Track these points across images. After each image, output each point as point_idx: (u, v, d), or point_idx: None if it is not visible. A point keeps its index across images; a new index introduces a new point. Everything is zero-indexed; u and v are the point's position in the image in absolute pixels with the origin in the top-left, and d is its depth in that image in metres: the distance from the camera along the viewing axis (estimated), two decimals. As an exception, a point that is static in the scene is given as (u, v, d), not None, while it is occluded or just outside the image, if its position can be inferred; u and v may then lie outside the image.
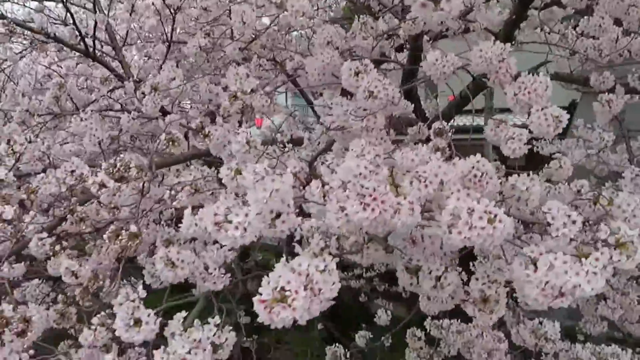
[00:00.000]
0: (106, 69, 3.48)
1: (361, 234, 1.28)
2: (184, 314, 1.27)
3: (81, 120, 1.83)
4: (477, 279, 1.18)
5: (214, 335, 1.19)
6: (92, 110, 2.15)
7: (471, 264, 1.40)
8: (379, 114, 1.35)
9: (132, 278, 2.46)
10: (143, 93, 2.20)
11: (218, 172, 1.36)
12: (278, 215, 1.04)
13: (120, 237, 1.23)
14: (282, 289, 0.92)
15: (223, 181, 1.23)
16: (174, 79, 2.06)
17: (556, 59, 2.96)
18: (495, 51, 1.38)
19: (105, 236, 1.25)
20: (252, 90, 1.44)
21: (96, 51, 3.25)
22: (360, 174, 1.12)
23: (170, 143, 1.54)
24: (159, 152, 1.92)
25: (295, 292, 0.90)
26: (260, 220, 1.00)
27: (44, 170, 1.94)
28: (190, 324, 1.24)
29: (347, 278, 5.50)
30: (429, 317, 2.22)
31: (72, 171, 1.77)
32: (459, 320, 2.26)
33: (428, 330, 2.25)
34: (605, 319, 2.40)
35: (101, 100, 2.98)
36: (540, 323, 2.02)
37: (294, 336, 4.27)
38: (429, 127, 2.06)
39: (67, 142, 2.72)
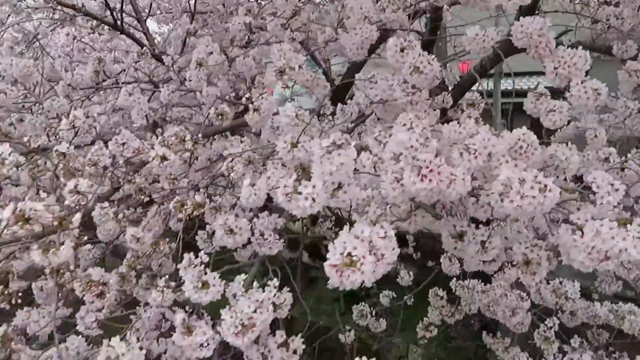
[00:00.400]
0: (134, 41, 3.54)
1: (408, 202, 1.37)
2: (244, 276, 1.38)
3: (129, 94, 1.90)
4: (520, 243, 1.27)
5: (274, 296, 1.29)
6: (134, 85, 2.23)
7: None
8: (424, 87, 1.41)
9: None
10: (179, 67, 2.27)
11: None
12: (339, 186, 1.12)
13: (185, 206, 1.32)
14: (349, 254, 1.01)
15: (280, 154, 1.30)
16: (212, 53, 2.12)
17: (578, 27, 2.97)
18: (536, 26, 1.43)
19: (171, 205, 1.34)
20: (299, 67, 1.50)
21: (123, 24, 3.30)
22: (411, 146, 1.19)
23: (220, 116, 1.62)
24: (199, 124, 2.00)
25: (363, 257, 0.99)
26: (324, 191, 1.09)
27: (92, 142, 2.03)
28: (248, 286, 1.35)
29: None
30: (454, 278, 2.32)
31: (123, 143, 1.87)
32: (479, 280, 2.37)
33: (453, 290, 2.36)
34: (620, 279, 2.49)
35: (130, 72, 3.04)
36: (560, 283, 2.13)
37: (321, 296, 4.43)
38: (453, 96, 2.12)
39: (102, 114, 2.80)
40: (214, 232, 1.54)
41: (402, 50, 1.40)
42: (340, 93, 2.48)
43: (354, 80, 2.19)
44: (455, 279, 2.39)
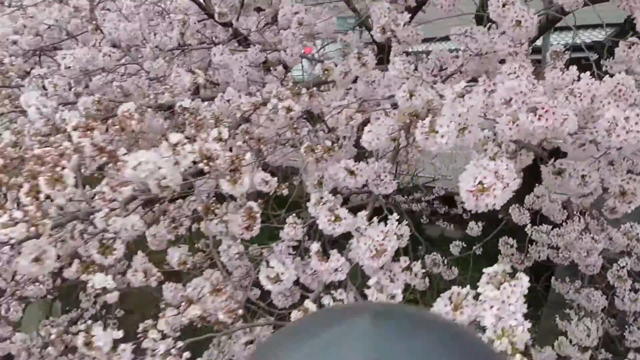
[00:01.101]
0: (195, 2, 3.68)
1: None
2: (365, 212, 1.58)
3: (231, 53, 2.09)
4: (616, 176, 1.43)
5: (395, 227, 1.49)
6: (225, 45, 2.41)
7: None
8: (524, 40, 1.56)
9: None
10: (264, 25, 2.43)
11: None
12: (464, 128, 1.29)
13: (315, 151, 1.51)
14: (480, 182, 1.19)
15: (399, 102, 1.48)
16: (297, 13, 2.28)
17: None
18: (628, -21, 1.54)
19: (302, 150, 1.54)
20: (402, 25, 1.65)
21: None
22: (521, 91, 1.35)
23: (326, 71, 1.80)
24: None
25: (494, 184, 1.17)
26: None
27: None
28: (370, 220, 1.55)
29: (407, 202, 5.63)
30: (529, 224, 2.49)
31: (228, 100, 2.07)
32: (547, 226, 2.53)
33: (529, 235, 2.52)
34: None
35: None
36: (631, 226, 2.28)
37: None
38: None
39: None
40: (320, 181, 1.75)
41: (503, 5, 1.54)
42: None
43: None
44: (530, 225, 2.55)
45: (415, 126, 1.39)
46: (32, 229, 1.08)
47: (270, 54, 2.59)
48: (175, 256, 1.43)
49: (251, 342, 1.71)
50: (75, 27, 2.78)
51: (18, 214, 1.08)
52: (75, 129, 1.27)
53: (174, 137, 1.04)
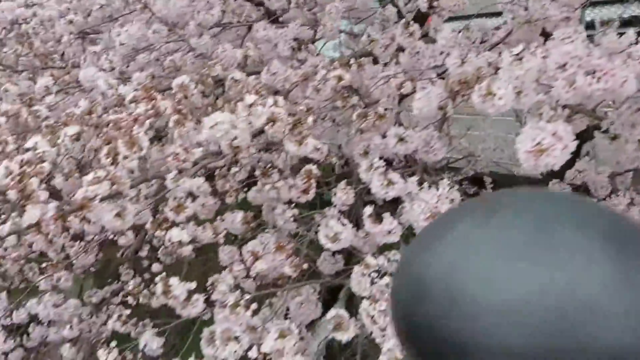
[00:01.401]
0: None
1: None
2: (415, 178, 1.62)
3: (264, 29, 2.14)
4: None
5: (447, 192, 1.53)
6: (264, 22, 2.45)
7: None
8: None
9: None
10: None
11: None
12: (519, 92, 1.32)
13: (368, 117, 1.56)
14: (539, 143, 1.22)
15: (450, 69, 1.50)
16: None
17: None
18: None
19: (354, 116, 1.58)
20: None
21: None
22: (576, 55, 1.36)
23: (372, 42, 1.83)
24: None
25: (553, 145, 1.20)
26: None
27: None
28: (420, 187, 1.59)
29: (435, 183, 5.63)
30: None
31: (274, 73, 2.12)
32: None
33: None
34: None
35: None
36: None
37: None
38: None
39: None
40: (366, 150, 1.79)
41: (557, -30, 1.54)
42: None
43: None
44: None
45: (462, 95, 1.43)
46: (114, 187, 1.15)
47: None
48: (238, 217, 1.50)
49: (301, 303, 1.79)
50: (118, 10, 2.86)
51: (101, 173, 1.15)
52: (135, 100, 1.34)
53: (250, 98, 1.09)
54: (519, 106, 1.32)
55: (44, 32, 3.05)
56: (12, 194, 1.06)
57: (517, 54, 1.24)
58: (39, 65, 2.89)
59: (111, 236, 2.46)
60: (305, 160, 1.72)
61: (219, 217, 1.71)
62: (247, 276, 1.47)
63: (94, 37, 3.07)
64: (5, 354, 3.24)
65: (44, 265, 2.49)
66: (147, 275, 4.04)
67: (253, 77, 2.12)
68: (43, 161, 1.17)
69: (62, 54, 2.67)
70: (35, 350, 3.47)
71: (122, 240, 2.28)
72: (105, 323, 3.57)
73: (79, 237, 2.89)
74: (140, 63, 2.60)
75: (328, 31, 2.48)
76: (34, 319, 3.17)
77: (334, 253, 2.03)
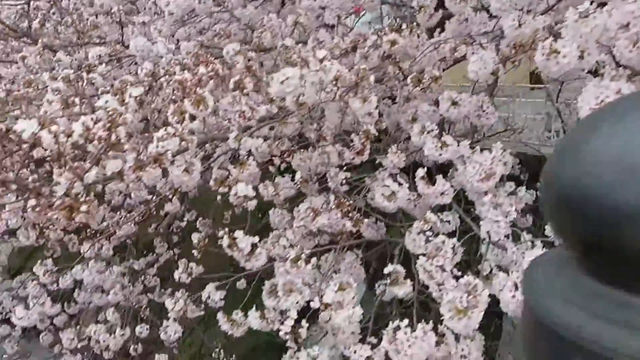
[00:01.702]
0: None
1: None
2: (467, 141, 1.63)
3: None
4: None
5: (500, 154, 1.54)
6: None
7: None
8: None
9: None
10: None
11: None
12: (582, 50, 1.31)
13: (422, 80, 1.57)
14: (602, 101, 1.22)
15: (506, 32, 1.50)
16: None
17: None
18: None
19: (408, 80, 1.60)
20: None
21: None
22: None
23: (422, 8, 1.84)
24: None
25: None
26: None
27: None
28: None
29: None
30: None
31: (321, 41, 2.14)
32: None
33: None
34: None
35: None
36: None
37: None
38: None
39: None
40: (414, 117, 1.81)
41: None
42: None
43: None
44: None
45: (513, 61, 1.43)
46: (183, 143, 1.19)
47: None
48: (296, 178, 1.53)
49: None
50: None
51: (170, 130, 1.19)
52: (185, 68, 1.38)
53: (320, 52, 1.11)
54: (581, 65, 1.31)
55: (84, 8, 3.12)
56: (91, 147, 1.11)
57: (584, 11, 1.23)
58: (78, 42, 2.95)
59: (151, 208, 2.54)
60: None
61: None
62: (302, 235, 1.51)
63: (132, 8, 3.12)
64: (51, 318, 3.40)
65: (87, 234, 2.58)
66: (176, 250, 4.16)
67: (300, 45, 2.15)
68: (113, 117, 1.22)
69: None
70: (75, 317, 3.63)
71: (168, 207, 2.35)
72: (142, 292, 3.72)
73: (118, 208, 2.99)
74: (187, 33, 2.64)
75: (369, 1, 2.48)
76: (77, 285, 3.31)
77: (376, 220, 2.07)
